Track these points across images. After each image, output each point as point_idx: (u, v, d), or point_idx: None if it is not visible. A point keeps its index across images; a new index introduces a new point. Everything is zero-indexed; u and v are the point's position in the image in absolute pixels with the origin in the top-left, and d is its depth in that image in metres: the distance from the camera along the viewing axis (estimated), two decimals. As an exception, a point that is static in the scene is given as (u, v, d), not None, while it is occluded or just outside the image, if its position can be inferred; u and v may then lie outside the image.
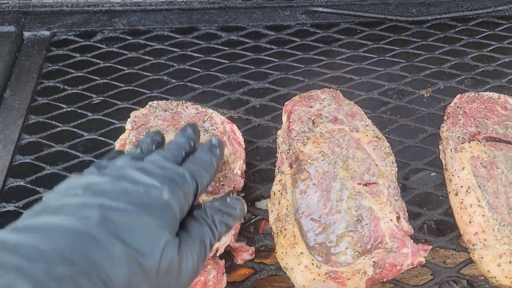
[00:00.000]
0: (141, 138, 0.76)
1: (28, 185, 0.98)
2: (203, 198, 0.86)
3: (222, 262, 0.85)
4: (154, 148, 0.74)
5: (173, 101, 1.05)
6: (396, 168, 0.93)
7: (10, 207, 0.94)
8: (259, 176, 1.01)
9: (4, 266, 0.46)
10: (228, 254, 0.87)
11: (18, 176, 0.99)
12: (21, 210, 0.94)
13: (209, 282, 0.81)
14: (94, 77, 1.19)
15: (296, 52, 1.26)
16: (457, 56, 1.25)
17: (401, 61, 1.23)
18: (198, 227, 0.66)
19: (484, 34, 1.31)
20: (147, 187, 0.61)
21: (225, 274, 0.84)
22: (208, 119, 1.01)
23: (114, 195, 0.58)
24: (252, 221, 0.94)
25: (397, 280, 0.85)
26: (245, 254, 0.87)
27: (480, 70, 1.21)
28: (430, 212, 0.93)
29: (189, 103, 1.04)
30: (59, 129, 1.08)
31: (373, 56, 1.25)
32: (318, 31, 1.32)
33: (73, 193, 0.59)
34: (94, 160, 1.02)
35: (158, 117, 1.01)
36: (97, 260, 0.51)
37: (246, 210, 0.74)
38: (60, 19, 1.31)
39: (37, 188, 0.97)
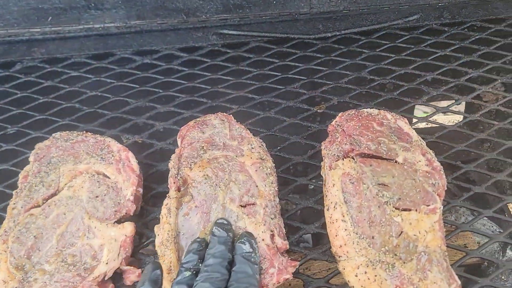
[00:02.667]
0: (187, 256, 0.83)
1: None
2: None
3: (111, 286, 0.91)
4: (200, 264, 0.82)
5: (75, 131, 1.10)
6: (276, 188, 0.99)
7: None
8: (156, 199, 1.06)
9: None
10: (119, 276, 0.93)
11: None
12: None
13: (96, 306, 0.87)
14: (10, 107, 1.24)
15: (205, 73, 1.31)
16: (356, 70, 1.30)
17: (302, 78, 1.29)
18: None
19: (385, 46, 1.37)
20: None
21: (114, 296, 0.90)
22: (106, 147, 1.06)
23: None
24: (145, 243, 1.00)
25: (271, 293, 0.91)
26: (133, 276, 0.93)
27: (375, 83, 1.27)
28: (308, 226, 1.00)
29: (89, 134, 1.09)
30: (-28, 162, 1.13)
31: (277, 74, 1.30)
32: (228, 50, 1.37)
33: None
34: (5, 191, 1.08)
35: (59, 148, 1.07)
36: None
37: None
38: (-20, 52, 1.35)
39: None
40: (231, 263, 0.82)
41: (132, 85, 1.28)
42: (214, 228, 0.88)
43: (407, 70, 1.30)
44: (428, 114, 1.20)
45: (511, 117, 1.19)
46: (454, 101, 1.24)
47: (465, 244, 1.33)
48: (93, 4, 1.38)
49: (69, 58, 1.35)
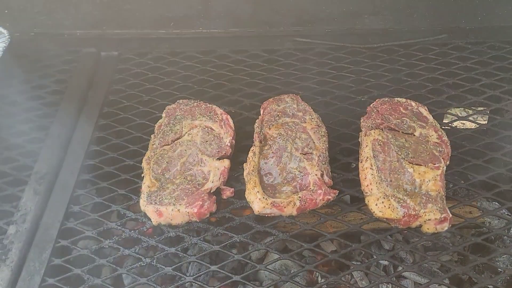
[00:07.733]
0: None
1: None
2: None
3: (214, 197, 1.35)
4: None
5: (192, 100, 1.57)
6: (327, 144, 1.40)
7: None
8: (243, 149, 1.49)
9: None
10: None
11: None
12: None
13: (204, 207, 1.31)
14: (143, 83, 1.73)
15: (280, 68, 1.74)
16: (394, 73, 1.68)
17: (352, 76, 1.68)
18: None
19: (418, 57, 1.74)
20: None
21: (215, 204, 1.34)
22: (213, 111, 1.52)
23: None
24: (235, 175, 1.43)
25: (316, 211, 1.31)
26: (228, 192, 1.36)
27: (407, 83, 1.64)
28: (346, 174, 1.39)
29: (202, 102, 1.55)
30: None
31: (333, 72, 1.71)
32: (298, 53, 1.80)
33: None
34: (143, 136, 1.55)
35: (181, 109, 1.54)
36: None
37: None
38: (124, 44, 1.86)
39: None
40: None
41: (227, 73, 1.74)
42: None
43: (434, 75, 1.66)
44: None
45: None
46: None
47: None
48: (202, 15, 1.86)
49: (184, 52, 1.83)
